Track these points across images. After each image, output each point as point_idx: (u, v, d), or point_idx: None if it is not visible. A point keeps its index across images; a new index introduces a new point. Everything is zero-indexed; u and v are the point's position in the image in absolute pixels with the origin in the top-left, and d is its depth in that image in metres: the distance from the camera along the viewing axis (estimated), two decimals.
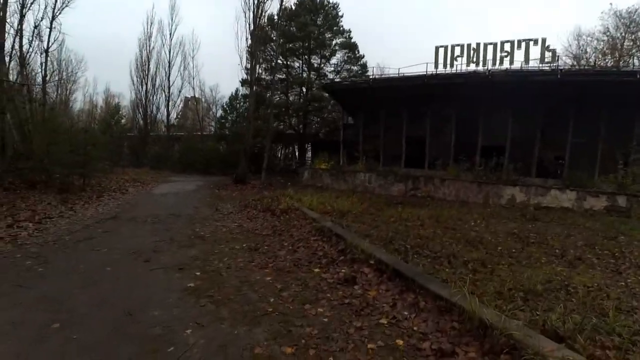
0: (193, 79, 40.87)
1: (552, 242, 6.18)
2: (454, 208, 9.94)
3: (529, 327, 2.49)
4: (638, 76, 11.84)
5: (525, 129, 15.77)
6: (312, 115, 26.65)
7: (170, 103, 31.26)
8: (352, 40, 26.68)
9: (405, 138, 17.45)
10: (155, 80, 30.60)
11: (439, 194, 12.24)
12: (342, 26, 26.96)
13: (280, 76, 26.05)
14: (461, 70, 14.80)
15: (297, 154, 30.52)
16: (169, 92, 30.92)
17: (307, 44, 26.03)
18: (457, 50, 15.11)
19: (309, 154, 28.34)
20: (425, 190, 12.25)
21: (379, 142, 18.39)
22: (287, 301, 3.49)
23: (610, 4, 29.24)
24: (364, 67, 26.60)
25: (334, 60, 27.52)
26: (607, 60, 20.96)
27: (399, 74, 16.75)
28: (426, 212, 8.69)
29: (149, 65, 30.30)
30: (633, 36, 20.30)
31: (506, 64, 14.17)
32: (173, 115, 33.42)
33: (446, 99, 16.05)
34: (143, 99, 30.29)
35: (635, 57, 19.92)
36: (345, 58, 27.04)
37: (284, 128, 27.28)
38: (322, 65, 27.39)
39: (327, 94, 22.09)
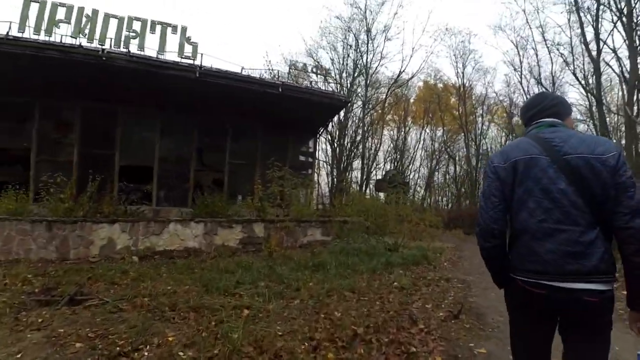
0: None
1: None
2: None
3: None
4: (280, 89, 10.79)
5: (179, 145, 12.31)
6: None
7: None
8: None
9: None
10: None
11: None
12: None
13: None
14: (64, 42, 9.29)
15: None
16: None
17: None
18: (62, 13, 9.56)
19: None
20: None
21: None
22: None
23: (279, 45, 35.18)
24: None
25: None
26: None
27: None
28: None
29: None
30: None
31: (134, 49, 10.08)
32: None
33: (62, 88, 9.99)
34: None
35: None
36: None
37: None
38: None
39: None
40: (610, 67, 12.61)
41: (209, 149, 12.82)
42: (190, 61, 10.26)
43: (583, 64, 15.61)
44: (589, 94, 15.35)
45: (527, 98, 18.31)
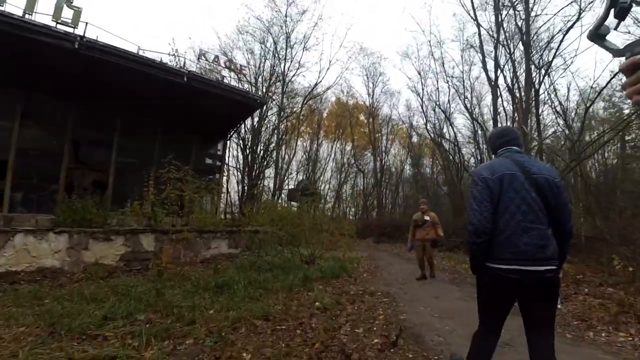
0: None
1: None
2: None
3: None
4: (185, 79, 9.33)
5: (48, 135, 9.74)
6: None
7: None
8: None
9: None
10: None
11: None
12: None
13: None
14: None
15: None
16: None
17: None
18: None
19: None
20: None
21: None
22: None
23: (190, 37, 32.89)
24: None
25: None
26: None
27: None
28: None
29: None
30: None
31: None
32: None
33: None
34: None
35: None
36: None
37: None
38: None
39: None
40: (511, 90, 14.16)
41: (89, 143, 10.42)
42: (70, 29, 8.17)
43: (471, 96, 18.23)
44: (474, 122, 17.70)
45: (427, 120, 20.44)
